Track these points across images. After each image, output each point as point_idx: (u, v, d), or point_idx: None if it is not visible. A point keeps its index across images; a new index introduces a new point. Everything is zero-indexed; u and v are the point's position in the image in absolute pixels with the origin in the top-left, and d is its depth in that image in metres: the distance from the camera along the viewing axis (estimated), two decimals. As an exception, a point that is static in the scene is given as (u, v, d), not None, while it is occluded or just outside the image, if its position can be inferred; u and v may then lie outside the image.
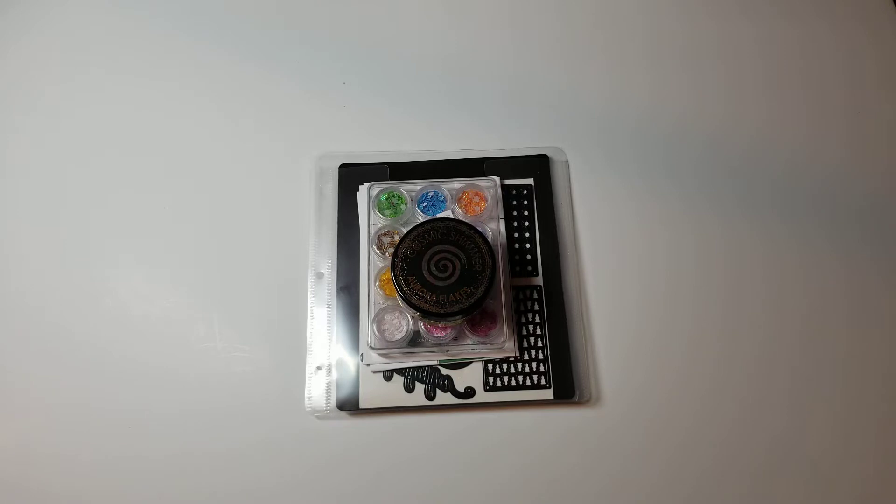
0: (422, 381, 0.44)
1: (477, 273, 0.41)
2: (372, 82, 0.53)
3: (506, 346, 0.44)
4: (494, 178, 0.48)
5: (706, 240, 0.48)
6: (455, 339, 0.44)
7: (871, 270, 0.47)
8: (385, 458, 0.43)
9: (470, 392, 0.44)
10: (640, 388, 0.45)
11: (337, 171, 0.49)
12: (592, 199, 0.49)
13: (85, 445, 0.43)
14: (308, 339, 0.45)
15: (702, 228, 0.49)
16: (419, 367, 0.44)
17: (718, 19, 0.55)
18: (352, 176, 0.49)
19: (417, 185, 0.48)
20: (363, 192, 0.48)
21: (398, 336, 0.44)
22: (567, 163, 0.50)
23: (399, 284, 0.40)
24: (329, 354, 0.45)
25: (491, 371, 0.44)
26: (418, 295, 0.40)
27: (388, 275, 0.43)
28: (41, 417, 0.44)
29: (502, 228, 0.47)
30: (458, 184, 0.48)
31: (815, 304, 0.47)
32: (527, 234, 0.48)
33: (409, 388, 0.44)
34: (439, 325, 0.44)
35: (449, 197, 0.47)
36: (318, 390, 0.44)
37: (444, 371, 0.44)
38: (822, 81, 0.53)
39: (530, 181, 0.49)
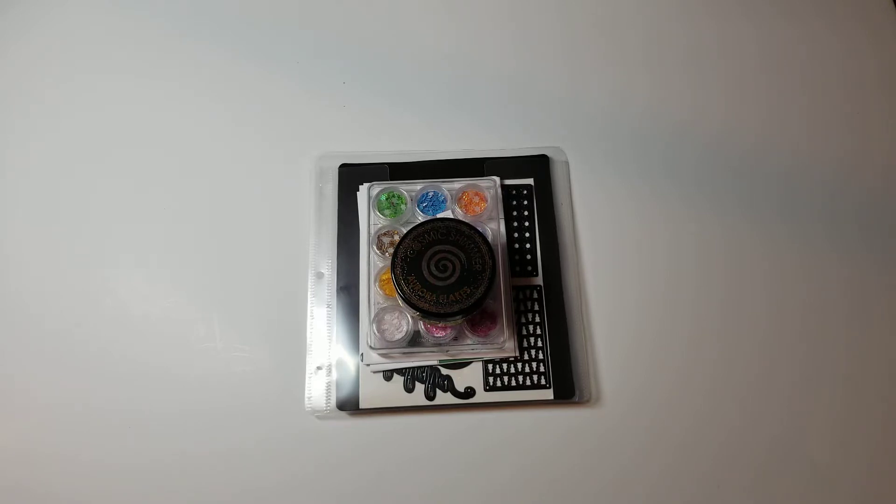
0: (422, 381, 0.44)
1: (477, 273, 0.41)
2: (372, 82, 0.53)
3: (506, 346, 0.44)
4: (494, 178, 0.48)
5: (706, 240, 0.48)
6: (455, 339, 0.44)
7: (871, 270, 0.47)
8: (385, 458, 0.43)
9: (470, 392, 0.44)
10: (640, 388, 0.45)
11: (337, 171, 0.49)
12: (592, 199, 0.49)
13: (85, 445, 0.43)
14: (308, 339, 0.45)
15: (702, 228, 0.49)
16: (419, 367, 0.44)
17: (718, 19, 0.55)
18: (352, 176, 0.49)
19: (417, 185, 0.48)
20: (363, 192, 0.48)
21: (398, 336, 0.44)
22: (567, 163, 0.50)
23: (399, 284, 0.40)
24: (329, 354, 0.45)
25: (491, 371, 0.44)
26: (418, 295, 0.40)
27: (388, 275, 0.43)
28: (41, 417, 0.44)
29: (502, 228, 0.47)
30: (458, 184, 0.48)
31: (816, 303, 0.47)
32: (527, 234, 0.48)
33: (409, 388, 0.44)
34: (439, 325, 0.44)
35: (449, 197, 0.47)
36: (318, 390, 0.44)
37: (444, 371, 0.44)
38: (822, 82, 0.53)
39: (530, 181, 0.49)
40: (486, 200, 0.47)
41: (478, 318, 0.44)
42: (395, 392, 0.44)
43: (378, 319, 0.44)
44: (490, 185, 0.47)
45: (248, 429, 0.44)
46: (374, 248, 0.46)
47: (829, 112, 0.52)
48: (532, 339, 0.45)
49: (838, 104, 0.52)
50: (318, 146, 0.50)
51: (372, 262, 0.46)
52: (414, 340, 0.44)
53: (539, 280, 0.46)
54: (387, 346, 0.43)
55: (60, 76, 0.53)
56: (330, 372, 0.44)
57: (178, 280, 0.47)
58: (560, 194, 0.49)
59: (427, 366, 0.44)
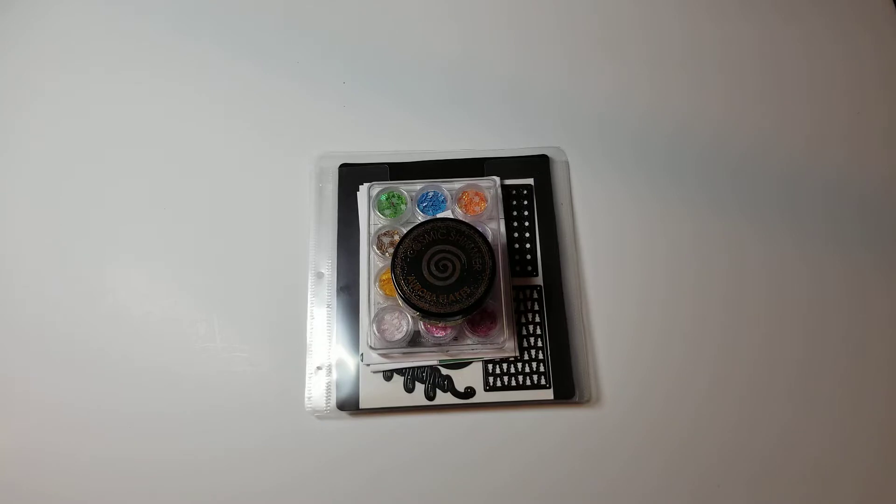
0: (422, 381, 0.44)
1: (477, 273, 0.41)
2: (372, 82, 0.53)
3: (506, 346, 0.44)
4: (494, 178, 0.48)
5: (706, 240, 0.48)
6: (455, 339, 0.44)
7: (871, 270, 0.47)
8: (385, 458, 0.43)
9: (470, 392, 0.44)
10: (640, 388, 0.45)
11: (337, 171, 0.49)
12: (592, 199, 0.49)
13: (85, 445, 0.43)
14: (308, 340, 0.45)
15: (702, 228, 0.49)
16: (419, 367, 0.44)
17: (719, 19, 0.55)
18: (352, 176, 0.49)
19: (417, 185, 0.48)
20: (363, 192, 0.48)
21: (398, 336, 0.44)
22: (567, 163, 0.50)
23: (399, 284, 0.40)
24: (329, 354, 0.45)
25: (491, 371, 0.44)
26: (418, 295, 0.40)
27: (388, 275, 0.43)
28: (41, 417, 0.44)
29: (502, 228, 0.47)
30: (458, 184, 0.48)
31: (816, 304, 0.47)
32: (527, 234, 0.48)
33: (409, 388, 0.44)
34: (439, 325, 0.44)
35: (449, 197, 0.47)
36: (318, 390, 0.44)
37: (444, 371, 0.44)
38: (822, 82, 0.53)
39: (530, 181, 0.49)
40: (486, 200, 0.47)
41: (478, 318, 0.44)
42: (395, 392, 0.44)
43: (378, 319, 0.44)
44: (490, 185, 0.47)
45: (247, 429, 0.44)
46: (374, 248, 0.46)
47: (828, 112, 0.52)
48: (532, 339, 0.45)
49: (838, 104, 0.52)
50: (318, 146, 0.50)
51: (372, 262, 0.46)
52: (414, 340, 0.44)
53: (539, 280, 0.46)
54: (387, 346, 0.43)
55: (60, 76, 0.53)
56: (330, 372, 0.44)
57: (178, 280, 0.47)
58: (560, 194, 0.49)
59: (427, 366, 0.44)
